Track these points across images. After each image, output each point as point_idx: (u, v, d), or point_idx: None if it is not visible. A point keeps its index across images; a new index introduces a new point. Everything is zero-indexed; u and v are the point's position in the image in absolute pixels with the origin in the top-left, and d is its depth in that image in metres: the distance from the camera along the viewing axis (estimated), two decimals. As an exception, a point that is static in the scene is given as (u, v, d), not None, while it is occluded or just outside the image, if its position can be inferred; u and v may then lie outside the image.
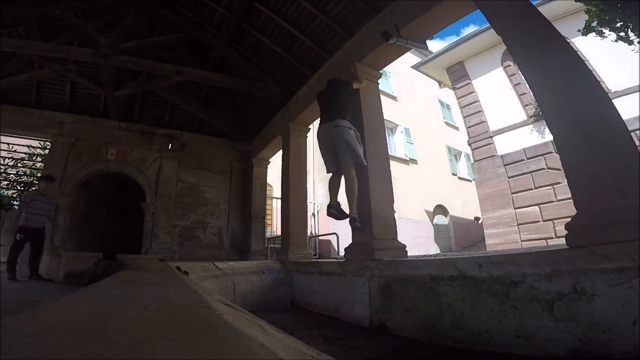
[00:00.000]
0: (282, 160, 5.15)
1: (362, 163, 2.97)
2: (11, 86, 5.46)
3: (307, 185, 5.29)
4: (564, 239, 1.67)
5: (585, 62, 5.09)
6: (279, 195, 5.28)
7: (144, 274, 1.56)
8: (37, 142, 7.28)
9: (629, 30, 2.95)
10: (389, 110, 10.81)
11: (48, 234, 5.33)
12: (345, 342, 2.01)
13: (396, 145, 11.31)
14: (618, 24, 2.96)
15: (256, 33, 4.91)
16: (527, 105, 6.76)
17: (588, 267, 1.43)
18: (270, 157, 6.97)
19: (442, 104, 14.50)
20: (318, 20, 4.17)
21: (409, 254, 3.02)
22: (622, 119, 1.70)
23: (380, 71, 3.81)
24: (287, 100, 5.34)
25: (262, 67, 5.42)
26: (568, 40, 2.48)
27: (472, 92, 7.73)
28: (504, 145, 6.94)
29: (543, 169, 6.22)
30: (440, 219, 11.81)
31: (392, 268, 2.41)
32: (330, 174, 3.20)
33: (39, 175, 6.71)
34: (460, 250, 10.37)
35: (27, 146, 7.39)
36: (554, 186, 5.98)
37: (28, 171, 7.39)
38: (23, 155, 7.32)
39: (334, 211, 3.04)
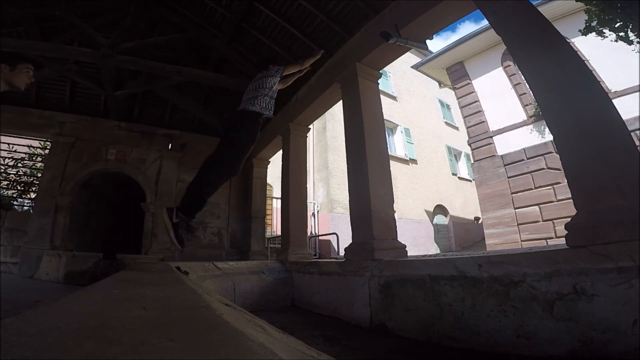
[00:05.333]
0: (282, 160, 5.15)
1: None
2: (11, 86, 5.45)
3: (307, 185, 5.29)
4: (564, 239, 1.67)
5: (585, 62, 5.09)
6: (279, 195, 5.28)
7: (144, 274, 1.56)
8: (37, 142, 7.28)
9: (629, 30, 2.95)
10: (389, 110, 10.81)
11: (48, 234, 5.34)
12: (345, 342, 2.01)
13: (396, 145, 11.31)
14: (618, 24, 2.96)
15: (256, 33, 4.91)
16: (527, 105, 6.76)
17: (588, 267, 1.44)
18: (270, 157, 6.97)
19: (442, 104, 14.50)
20: (318, 20, 4.17)
21: (409, 254, 3.02)
22: (622, 119, 1.70)
23: (380, 71, 3.81)
24: (287, 100, 5.34)
25: (262, 67, 5.42)
26: (568, 40, 2.48)
27: (472, 92, 7.73)
28: (504, 145, 6.94)
29: (543, 169, 6.22)
30: (440, 219, 11.81)
31: (392, 268, 2.41)
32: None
33: (39, 175, 6.71)
34: (460, 250, 10.37)
35: (27, 146, 7.39)
36: (554, 186, 5.98)
37: (28, 171, 7.38)
38: (23, 155, 7.31)
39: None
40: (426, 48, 3.53)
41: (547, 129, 5.56)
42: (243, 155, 2.31)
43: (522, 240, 6.20)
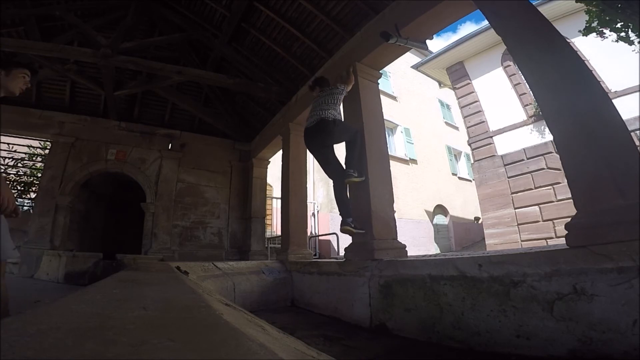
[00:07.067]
0: (282, 161, 5.15)
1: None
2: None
3: (307, 185, 5.29)
4: (564, 239, 1.67)
5: (585, 62, 5.09)
6: (279, 195, 5.28)
7: (144, 274, 1.56)
8: (37, 142, 7.29)
9: (629, 30, 2.95)
10: (389, 110, 10.80)
11: (48, 234, 5.34)
12: (345, 342, 2.01)
13: (396, 145, 11.30)
14: (618, 24, 2.96)
15: (256, 33, 4.91)
16: (527, 105, 6.76)
17: (588, 267, 1.43)
18: (270, 157, 6.97)
19: (442, 104, 14.49)
20: (318, 20, 4.17)
21: (409, 254, 3.02)
22: (622, 119, 1.70)
23: (380, 71, 3.81)
24: (287, 100, 5.34)
25: (262, 67, 5.42)
26: (568, 40, 2.48)
27: (472, 92, 7.73)
28: (504, 145, 6.94)
29: (543, 169, 6.22)
30: (440, 219, 11.81)
31: (392, 268, 2.41)
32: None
33: (39, 175, 6.71)
34: (460, 250, 10.37)
35: (27, 146, 7.40)
36: (554, 186, 5.98)
37: (28, 171, 7.39)
38: (23, 155, 7.32)
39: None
40: (426, 48, 3.53)
41: (547, 129, 5.57)
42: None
43: (522, 240, 6.20)
